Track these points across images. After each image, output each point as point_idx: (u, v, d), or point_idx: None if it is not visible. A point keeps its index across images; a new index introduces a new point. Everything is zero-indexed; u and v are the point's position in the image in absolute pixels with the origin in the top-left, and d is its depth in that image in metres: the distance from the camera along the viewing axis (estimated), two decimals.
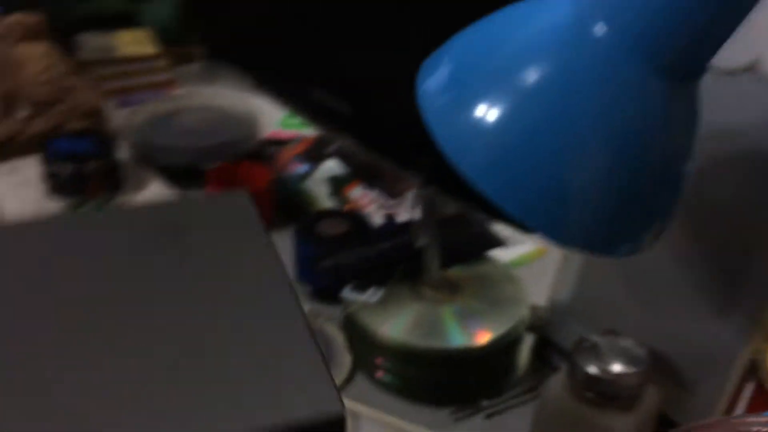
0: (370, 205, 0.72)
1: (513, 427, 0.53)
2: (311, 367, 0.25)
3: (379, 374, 0.57)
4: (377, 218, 0.71)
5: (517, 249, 0.73)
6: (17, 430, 0.22)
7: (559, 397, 0.50)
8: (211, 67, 1.01)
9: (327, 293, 0.62)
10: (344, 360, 0.59)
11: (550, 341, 0.59)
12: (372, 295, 0.57)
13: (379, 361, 0.56)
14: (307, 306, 0.63)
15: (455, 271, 0.60)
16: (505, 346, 0.56)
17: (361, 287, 0.57)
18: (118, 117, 0.86)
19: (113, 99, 0.91)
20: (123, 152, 0.80)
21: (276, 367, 0.25)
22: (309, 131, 0.87)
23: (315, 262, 0.59)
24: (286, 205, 0.75)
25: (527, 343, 0.60)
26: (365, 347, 0.57)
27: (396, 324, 0.56)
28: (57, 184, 0.73)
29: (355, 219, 0.66)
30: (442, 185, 0.71)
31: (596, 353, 0.49)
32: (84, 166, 0.72)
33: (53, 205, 0.71)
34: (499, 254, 0.70)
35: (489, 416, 0.55)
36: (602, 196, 0.32)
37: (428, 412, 0.55)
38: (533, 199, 0.32)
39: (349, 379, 0.58)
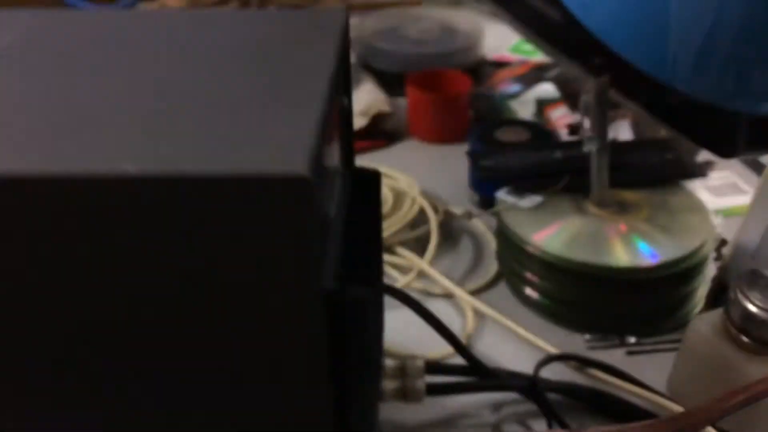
0: (566, 127, 0.67)
1: (652, 372, 0.46)
2: (301, 135, 0.24)
3: (527, 291, 0.52)
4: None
5: (734, 198, 0.63)
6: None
7: (707, 339, 0.42)
8: None
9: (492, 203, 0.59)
10: (491, 265, 0.56)
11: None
12: (528, 200, 0.53)
13: (529, 276, 0.52)
14: (465, 208, 0.60)
15: (632, 192, 0.54)
16: (674, 277, 0.49)
17: (518, 191, 0.54)
18: (356, 28, 0.90)
19: (357, 12, 0.95)
20: (353, 57, 0.84)
21: (267, 124, 0.25)
22: (536, 59, 0.83)
23: (478, 161, 0.56)
24: (485, 118, 0.73)
25: (702, 287, 0.51)
26: (514, 256, 0.53)
27: (552, 234, 0.51)
28: None
29: (539, 130, 0.62)
30: (660, 113, 0.64)
31: (763, 290, 0.40)
32: None
33: None
34: (711, 201, 0.61)
35: (630, 353, 0.49)
36: (714, 28, 0.25)
37: (562, 333, 0.50)
38: (638, 31, 0.27)
39: (490, 285, 0.55)
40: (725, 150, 0.49)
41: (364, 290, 0.29)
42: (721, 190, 0.63)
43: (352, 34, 0.87)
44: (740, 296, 0.40)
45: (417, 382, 0.41)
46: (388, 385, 0.41)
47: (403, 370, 0.42)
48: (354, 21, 0.91)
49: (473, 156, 0.56)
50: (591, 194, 0.52)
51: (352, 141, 0.38)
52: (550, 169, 0.54)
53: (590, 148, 0.50)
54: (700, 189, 0.62)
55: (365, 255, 0.34)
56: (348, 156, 0.38)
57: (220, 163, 0.23)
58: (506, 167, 0.55)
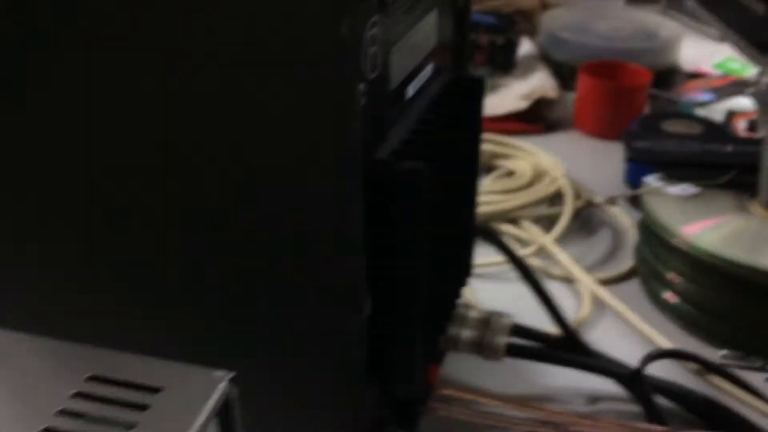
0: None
1: None
2: None
3: (664, 291, 0.45)
4: None
5: None
6: None
7: None
8: (672, 6, 0.94)
9: None
10: (627, 262, 0.49)
11: None
12: (679, 188, 0.46)
13: (668, 274, 0.45)
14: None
15: None
16: None
17: (670, 177, 0.47)
18: (544, 18, 0.86)
19: (550, 8, 0.92)
20: (532, 47, 0.80)
21: None
22: (740, 77, 0.75)
23: (632, 142, 0.50)
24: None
25: None
26: (654, 249, 0.46)
27: (706, 228, 0.43)
28: None
29: (714, 126, 0.54)
30: None
31: None
32: (480, 37, 0.74)
33: None
34: None
35: None
36: None
37: (694, 344, 0.43)
38: None
39: (620, 280, 0.48)
40: None
41: (419, 164, 0.26)
42: None
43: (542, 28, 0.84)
44: None
45: (498, 337, 0.37)
46: (466, 333, 0.37)
47: (486, 324, 0.37)
48: (545, 13, 0.87)
49: (628, 135, 0.50)
50: (759, 193, 0.44)
51: (465, 46, 0.35)
52: (715, 161, 0.47)
53: (762, 134, 0.43)
54: None
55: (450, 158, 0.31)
56: (456, 59, 0.35)
57: None
58: (663, 151, 0.48)
